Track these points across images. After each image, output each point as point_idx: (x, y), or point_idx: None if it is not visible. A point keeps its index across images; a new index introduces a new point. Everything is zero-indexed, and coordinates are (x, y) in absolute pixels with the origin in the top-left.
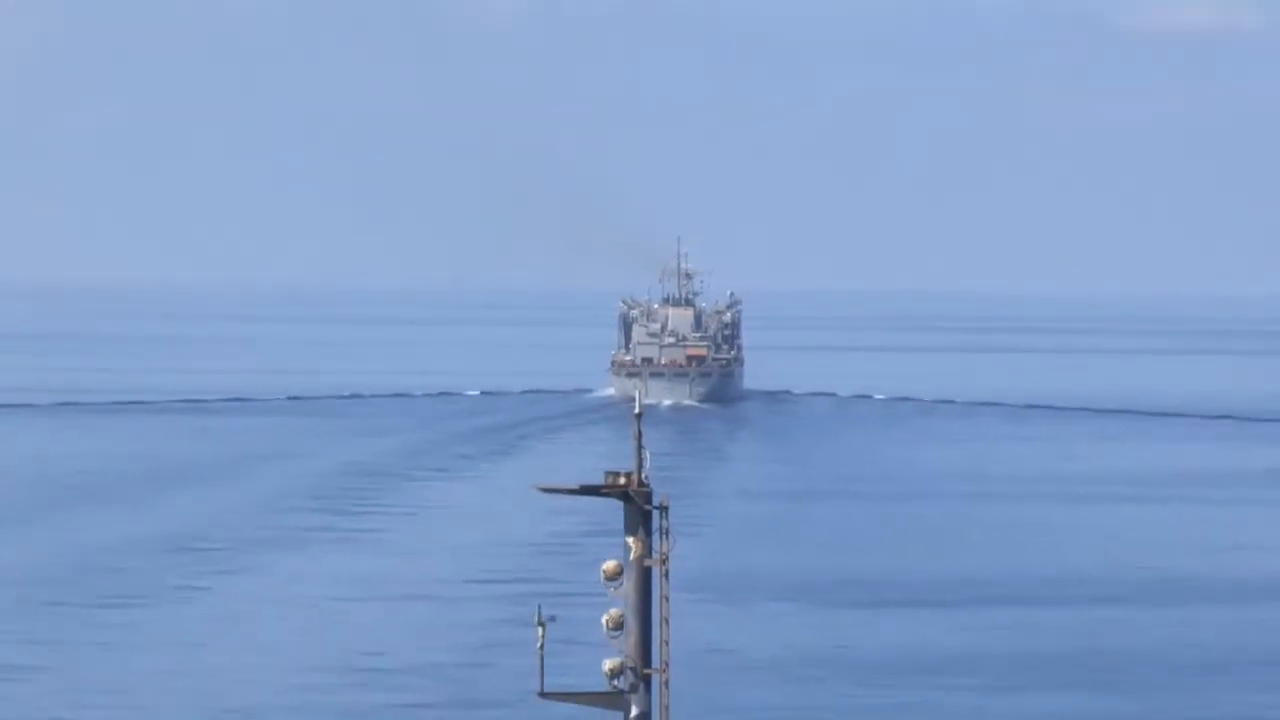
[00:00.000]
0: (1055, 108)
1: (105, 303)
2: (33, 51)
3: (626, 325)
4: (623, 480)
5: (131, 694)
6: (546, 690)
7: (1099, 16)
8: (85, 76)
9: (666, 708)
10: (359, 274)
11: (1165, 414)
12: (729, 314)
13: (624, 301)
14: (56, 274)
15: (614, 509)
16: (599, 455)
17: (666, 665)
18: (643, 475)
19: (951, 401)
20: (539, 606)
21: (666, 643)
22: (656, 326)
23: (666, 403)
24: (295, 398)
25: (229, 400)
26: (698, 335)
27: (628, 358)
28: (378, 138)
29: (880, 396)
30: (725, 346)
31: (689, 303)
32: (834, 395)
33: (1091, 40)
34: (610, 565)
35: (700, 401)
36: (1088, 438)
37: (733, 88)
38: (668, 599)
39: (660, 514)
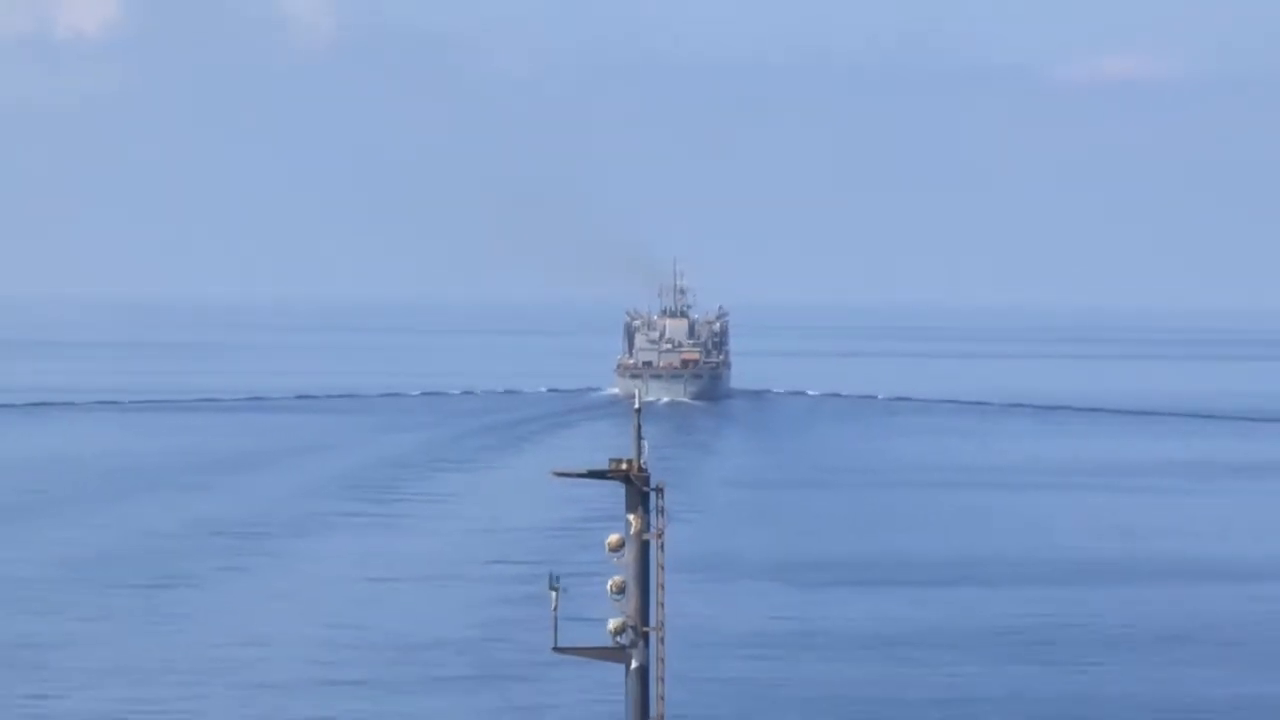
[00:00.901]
0: (998, 145)
1: (182, 314)
2: (125, 96)
3: (630, 334)
4: (624, 466)
5: (182, 665)
6: (560, 645)
7: (1036, 69)
8: (167, 119)
9: (662, 661)
10: (398, 290)
11: (1087, 409)
12: (718, 324)
13: (628, 313)
14: (139, 290)
15: (617, 491)
16: (605, 446)
17: (662, 624)
18: (641, 462)
19: (907, 399)
20: (551, 573)
21: (662, 605)
22: (655, 335)
23: (664, 400)
24: (348, 395)
25: (291, 398)
26: (691, 342)
27: (631, 361)
28: (412, 174)
29: (848, 394)
30: (715, 352)
31: (683, 314)
32: (809, 393)
33: (1029, 88)
34: (614, 538)
35: (693, 399)
36: (1017, 432)
37: (721, 133)
38: (663, 568)
39: (656, 495)
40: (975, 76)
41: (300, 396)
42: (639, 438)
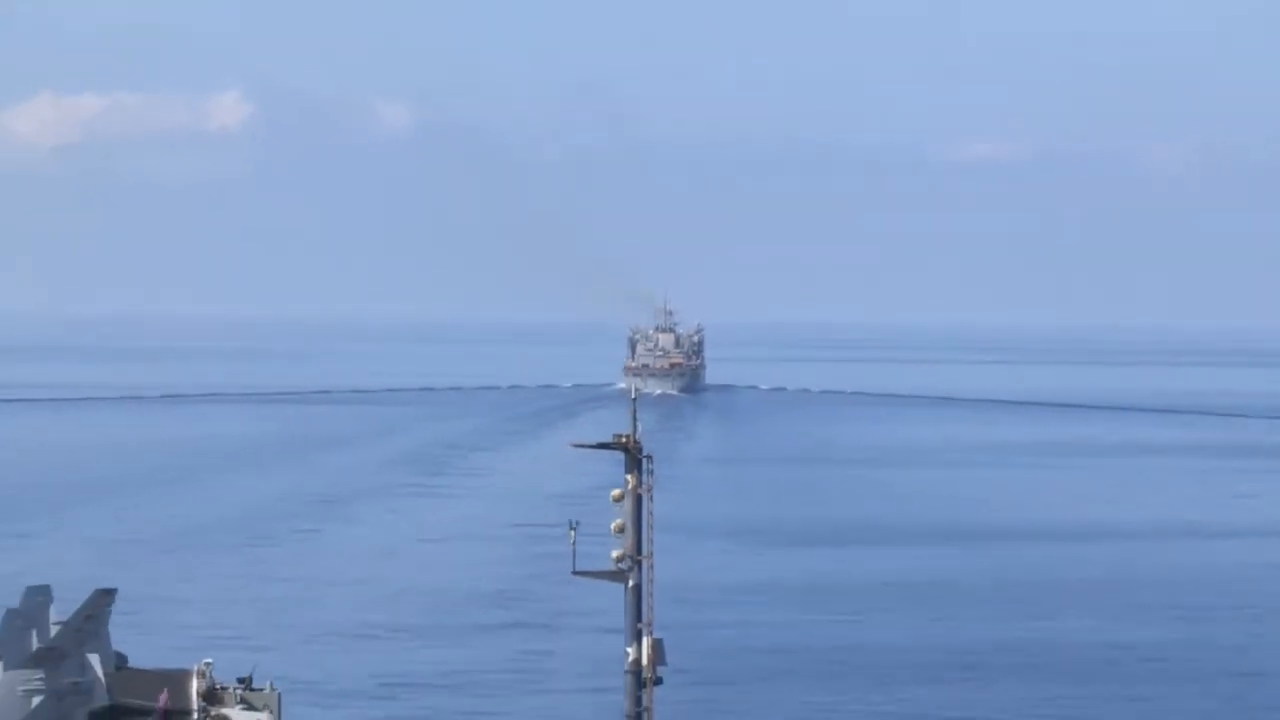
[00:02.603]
0: (889, 210)
1: (288, 329)
2: (257, 171)
3: (633, 344)
4: (624, 439)
5: (267, 609)
6: (577, 570)
7: (917, 149)
8: (286, 188)
9: (651, 580)
10: (456, 313)
11: (971, 400)
12: (696, 336)
13: (631, 329)
14: (266, 310)
15: (619, 458)
16: (613, 425)
17: (651, 554)
18: (637, 436)
19: (834, 392)
20: (570, 519)
21: (651, 540)
22: (651, 345)
23: (657, 392)
24: (426, 389)
25: (383, 391)
26: (677, 350)
27: (634, 364)
28: (465, 230)
29: (790, 389)
30: (694, 357)
31: (671, 330)
32: (761, 388)
33: (911, 167)
34: (616, 493)
35: (679, 392)
36: (916, 418)
37: (696, 195)
38: (651, 513)
39: (647, 461)
40: (871, 155)
41: (389, 390)
42: (635, 419)
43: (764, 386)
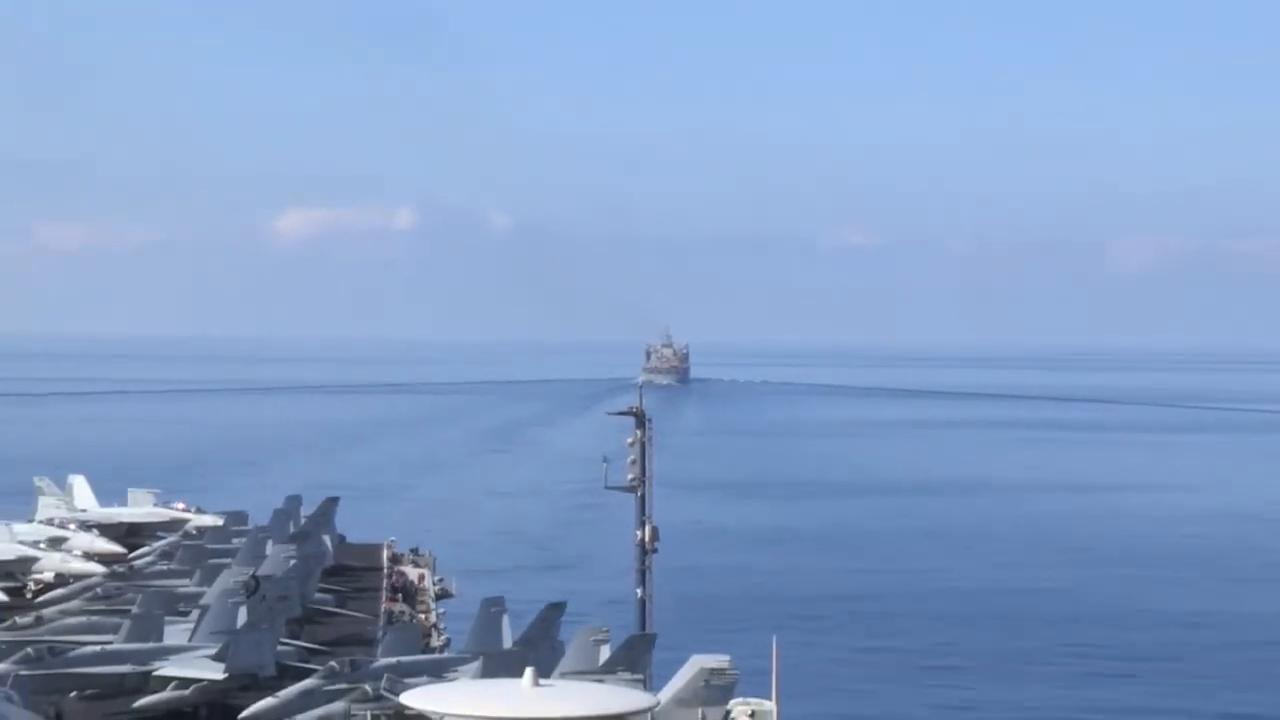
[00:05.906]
0: (788, 280)
1: (440, 349)
2: (419, 254)
3: (648, 353)
4: (634, 409)
5: (427, 511)
6: (608, 485)
7: (808, 238)
8: (434, 265)
9: (651, 491)
10: (534, 337)
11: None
12: (685, 349)
13: (648, 344)
14: (405, 334)
15: (629, 420)
16: (632, 401)
17: (651, 476)
18: (643, 406)
19: (775, 382)
20: (604, 455)
21: (651, 467)
22: (658, 353)
23: (662, 382)
24: (524, 380)
25: (478, 383)
26: (674, 357)
27: (648, 365)
28: (530, 286)
29: (747, 379)
30: (684, 361)
31: (670, 344)
32: (724, 379)
33: (801, 253)
34: (630, 439)
35: (675, 382)
36: (832, 403)
37: (684, 262)
38: (651, 453)
39: (649, 421)
40: (782, 240)
41: (502, 382)
42: (641, 397)
43: (727, 379)
